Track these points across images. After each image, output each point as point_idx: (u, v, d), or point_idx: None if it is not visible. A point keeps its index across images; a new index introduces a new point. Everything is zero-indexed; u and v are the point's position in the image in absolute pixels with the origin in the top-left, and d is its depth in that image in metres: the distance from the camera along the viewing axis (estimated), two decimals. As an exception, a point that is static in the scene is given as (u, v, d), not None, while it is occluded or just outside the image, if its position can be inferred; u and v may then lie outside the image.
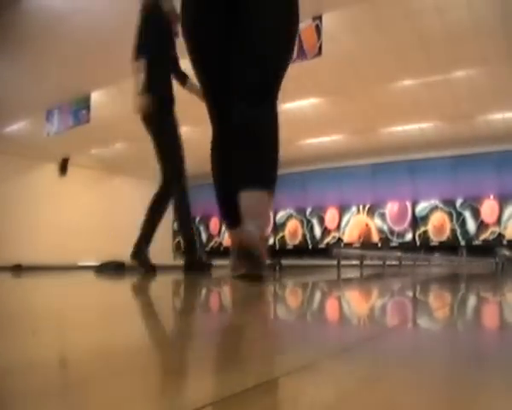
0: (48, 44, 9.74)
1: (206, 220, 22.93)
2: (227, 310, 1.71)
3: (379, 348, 0.85)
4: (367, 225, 18.96)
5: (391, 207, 18.52)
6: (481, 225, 16.62)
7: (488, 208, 16.59)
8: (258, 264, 2.18)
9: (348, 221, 19.40)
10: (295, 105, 12.90)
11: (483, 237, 16.54)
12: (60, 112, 13.20)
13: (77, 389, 0.55)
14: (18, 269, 8.16)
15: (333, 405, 0.51)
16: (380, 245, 18.12)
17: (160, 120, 4.53)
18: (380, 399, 0.52)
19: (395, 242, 18.06)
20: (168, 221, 25.43)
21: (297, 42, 7.54)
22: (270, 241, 21.31)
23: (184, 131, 16.62)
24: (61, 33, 9.28)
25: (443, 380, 0.61)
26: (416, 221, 17.96)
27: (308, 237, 20.35)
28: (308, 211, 20.41)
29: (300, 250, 19.80)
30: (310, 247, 20.06)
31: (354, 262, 10.04)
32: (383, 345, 0.88)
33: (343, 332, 1.13)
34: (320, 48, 8.49)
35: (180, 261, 6.07)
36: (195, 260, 4.80)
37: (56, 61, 10.50)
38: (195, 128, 15.29)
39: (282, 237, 21.04)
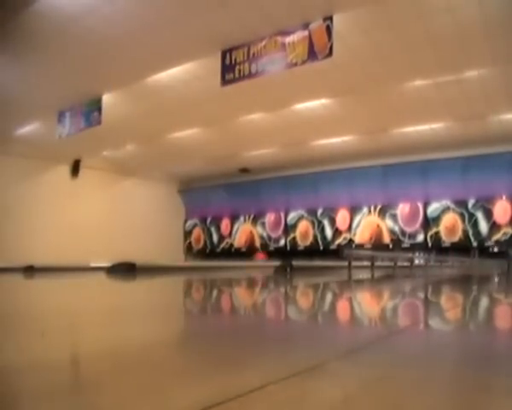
0: (59, 47, 9.82)
1: (217, 221, 22.94)
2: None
3: (387, 349, 0.85)
4: (378, 226, 18.88)
5: (402, 208, 18.43)
6: (494, 226, 16.48)
7: (500, 209, 16.45)
8: None
9: (359, 222, 19.34)
10: (306, 106, 12.89)
11: (495, 238, 16.40)
12: (71, 114, 13.28)
13: (87, 388, 0.55)
14: (30, 270, 8.22)
15: (345, 396, 0.51)
16: (391, 246, 18.04)
17: None
18: (388, 396, 0.52)
19: (407, 243, 17.97)
20: (179, 222, 25.52)
21: (307, 42, 7.58)
22: (281, 242, 21.33)
23: (193, 132, 16.61)
24: (72, 36, 9.34)
25: (449, 381, 0.61)
26: (428, 222, 17.84)
27: (319, 238, 20.30)
28: (319, 212, 20.38)
29: (311, 251, 19.77)
30: (321, 248, 20.02)
31: (365, 263, 10.01)
32: (392, 346, 0.88)
33: (350, 333, 1.13)
34: (331, 48, 8.46)
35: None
36: None
37: (68, 64, 10.58)
38: (205, 129, 15.34)
39: (293, 239, 21.01)
